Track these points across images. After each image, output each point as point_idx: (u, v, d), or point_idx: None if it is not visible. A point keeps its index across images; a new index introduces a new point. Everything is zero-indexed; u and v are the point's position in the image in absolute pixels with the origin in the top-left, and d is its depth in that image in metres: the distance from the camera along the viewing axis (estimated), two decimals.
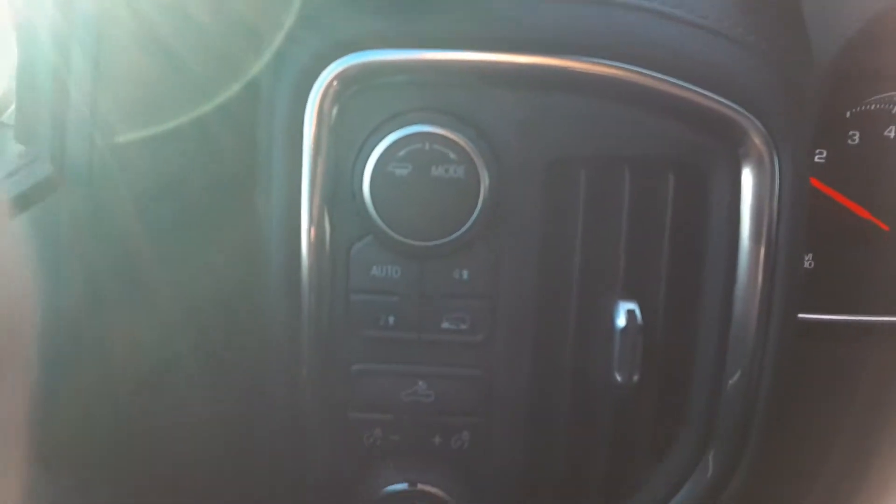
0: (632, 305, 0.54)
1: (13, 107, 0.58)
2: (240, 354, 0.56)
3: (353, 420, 0.57)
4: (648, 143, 0.54)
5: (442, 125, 0.52)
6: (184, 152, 0.55)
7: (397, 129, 0.52)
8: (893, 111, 0.66)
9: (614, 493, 0.60)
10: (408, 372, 0.56)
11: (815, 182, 0.66)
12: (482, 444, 0.58)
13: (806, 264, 0.68)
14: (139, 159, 0.54)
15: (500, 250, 0.55)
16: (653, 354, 0.56)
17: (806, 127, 0.55)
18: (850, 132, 0.66)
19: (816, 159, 0.66)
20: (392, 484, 0.57)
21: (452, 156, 0.52)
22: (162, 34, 0.52)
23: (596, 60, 0.51)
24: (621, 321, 0.54)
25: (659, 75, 0.51)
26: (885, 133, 0.66)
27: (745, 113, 0.52)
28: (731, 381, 0.56)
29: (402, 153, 0.52)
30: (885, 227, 0.68)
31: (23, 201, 0.52)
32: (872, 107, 0.66)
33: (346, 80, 0.51)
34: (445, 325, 0.55)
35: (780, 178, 0.53)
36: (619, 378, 0.54)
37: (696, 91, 0.52)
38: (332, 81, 0.51)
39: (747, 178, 0.53)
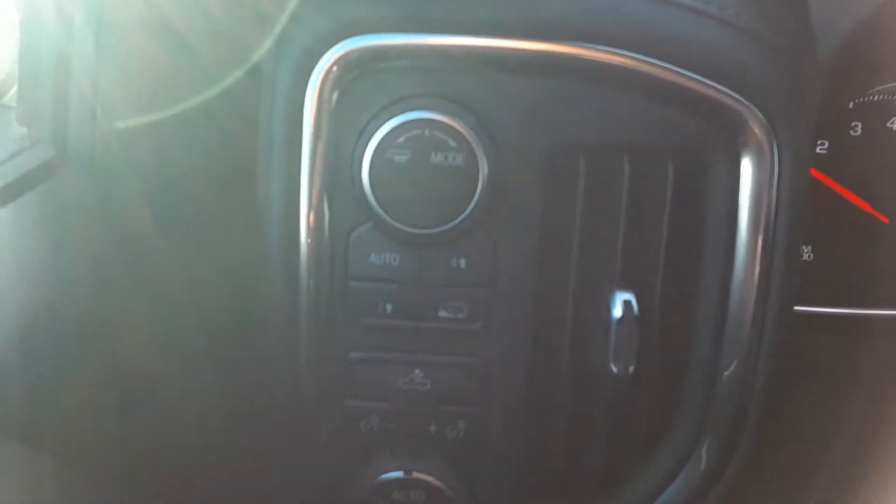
0: (628, 296, 0.54)
1: (15, 89, 0.58)
2: (242, 341, 0.57)
3: (349, 407, 0.58)
4: (648, 131, 0.54)
5: (442, 111, 0.52)
6: (187, 137, 0.55)
7: (397, 114, 0.52)
8: None
9: (609, 483, 0.61)
10: (405, 360, 0.57)
11: (815, 173, 0.66)
12: (478, 433, 0.58)
13: (805, 256, 0.68)
14: (142, 143, 0.54)
15: (499, 238, 0.55)
16: (649, 345, 0.56)
17: (807, 117, 0.55)
18: (853, 123, 0.66)
19: (818, 150, 0.66)
20: (388, 472, 0.58)
21: (452, 143, 0.52)
22: (165, 16, 0.52)
23: (596, 47, 0.51)
24: (618, 311, 0.54)
25: (659, 63, 0.51)
26: (888, 125, 0.66)
27: (746, 102, 0.52)
28: (726, 373, 0.56)
29: (401, 139, 0.52)
30: (885, 220, 0.68)
31: (24, 184, 0.52)
32: (875, 98, 0.65)
33: (347, 64, 0.51)
34: (443, 313, 0.55)
35: (779, 169, 0.53)
36: (614, 368, 0.54)
37: (696, 79, 0.51)
38: (332, 66, 0.51)
39: (746, 167, 0.53)
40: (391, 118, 0.52)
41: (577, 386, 0.58)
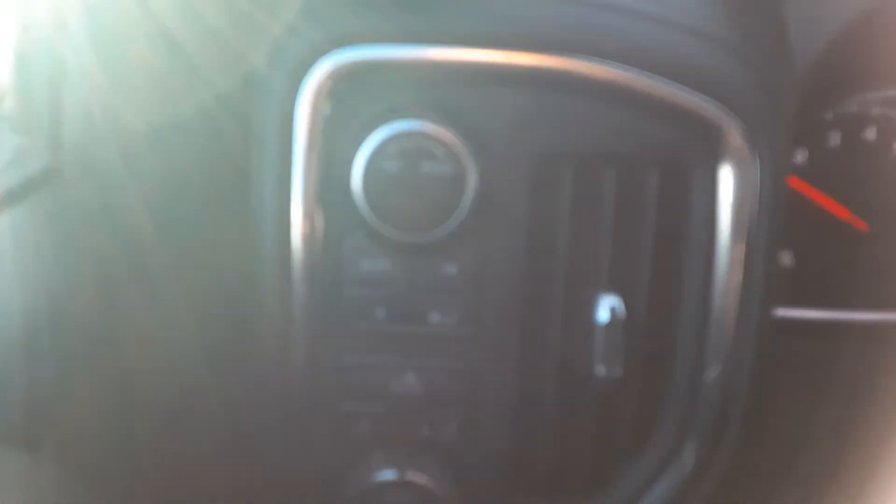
0: (615, 300, 0.55)
1: (11, 97, 0.59)
2: (237, 346, 0.57)
3: (343, 411, 0.58)
4: (632, 141, 0.55)
5: (431, 122, 0.53)
6: (182, 144, 0.55)
7: (388, 125, 0.53)
8: (873, 112, 0.67)
9: (596, 483, 0.62)
10: (397, 364, 0.58)
11: (795, 181, 0.68)
12: (469, 435, 0.59)
13: (786, 262, 0.70)
14: (138, 150, 0.55)
15: (488, 245, 0.56)
16: (635, 348, 0.58)
17: (785, 126, 0.56)
18: (831, 133, 0.68)
19: (798, 159, 0.68)
20: (381, 474, 0.59)
21: (441, 152, 0.53)
22: (162, 24, 0.53)
23: (581, 59, 0.53)
24: (605, 316, 0.55)
25: (642, 74, 0.53)
26: (865, 134, 0.68)
27: (725, 112, 0.53)
28: (709, 375, 0.57)
29: (392, 149, 0.53)
30: (864, 227, 0.69)
31: (20, 193, 0.52)
32: (853, 108, 0.67)
33: (340, 74, 0.52)
34: (434, 318, 0.56)
35: (759, 177, 0.54)
36: (602, 371, 0.56)
37: (677, 90, 0.53)
38: (325, 77, 0.52)
39: (727, 175, 0.55)
40: (382, 128, 0.53)
41: (564, 388, 0.59)
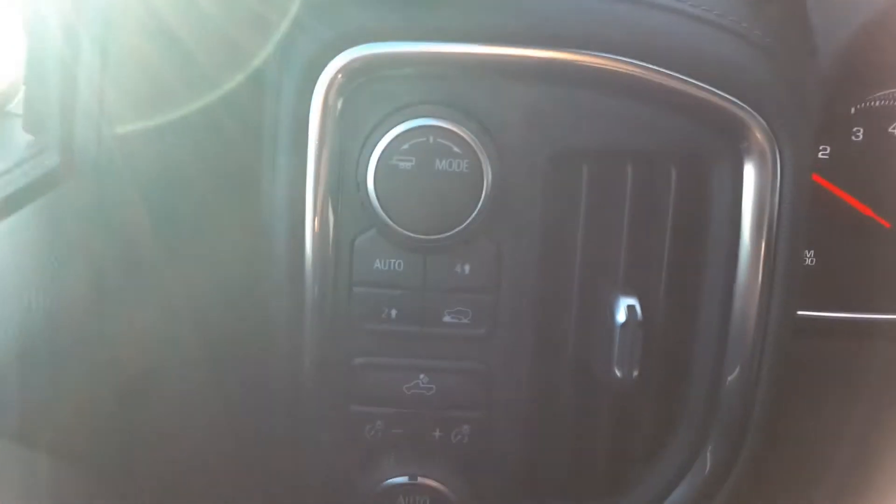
0: (632, 301, 0.54)
1: (21, 96, 0.58)
2: (245, 346, 0.57)
3: (354, 413, 0.58)
4: (651, 137, 0.54)
5: (446, 118, 0.52)
6: (191, 143, 0.55)
7: (401, 122, 0.52)
8: None
9: (613, 487, 0.61)
10: (409, 365, 0.57)
11: (817, 178, 0.66)
12: (482, 438, 0.58)
13: (807, 261, 0.68)
14: (147, 149, 0.54)
15: (503, 244, 0.55)
16: (652, 350, 0.57)
17: (808, 123, 0.55)
18: (854, 128, 0.66)
19: (820, 155, 0.66)
20: (392, 477, 0.58)
21: (456, 149, 0.52)
22: (170, 23, 0.53)
23: (599, 54, 0.52)
24: (621, 316, 0.54)
25: (662, 70, 0.52)
26: (890, 130, 0.66)
27: (747, 108, 0.52)
28: (729, 377, 0.56)
29: (406, 146, 0.52)
30: (887, 225, 0.68)
31: (31, 192, 0.52)
32: (877, 103, 0.66)
33: (352, 72, 0.51)
34: (447, 318, 0.56)
35: (781, 174, 0.53)
36: (618, 373, 0.55)
37: (698, 85, 0.52)
38: (337, 73, 0.51)
39: (749, 172, 0.54)
40: (396, 125, 0.52)
41: (580, 391, 0.58)
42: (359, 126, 0.53)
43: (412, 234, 0.53)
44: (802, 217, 0.54)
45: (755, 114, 0.52)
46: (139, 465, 0.56)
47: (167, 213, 0.55)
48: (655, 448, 0.60)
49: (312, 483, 0.60)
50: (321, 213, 0.53)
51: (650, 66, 0.52)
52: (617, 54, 0.52)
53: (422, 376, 0.57)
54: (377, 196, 0.53)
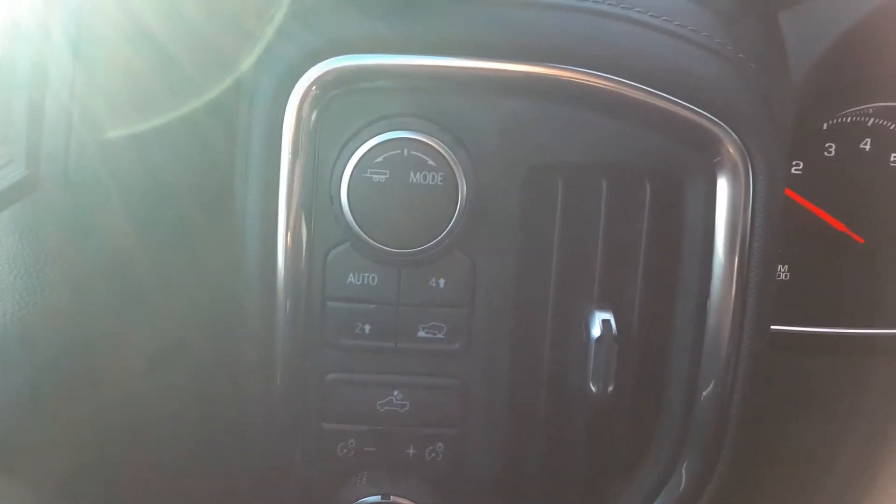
0: (607, 315, 0.54)
1: None
2: (218, 362, 0.56)
3: (326, 431, 0.57)
4: (625, 151, 0.54)
5: (420, 131, 0.52)
6: (165, 150, 0.54)
7: (375, 134, 0.52)
8: (869, 123, 0.66)
9: (590, 503, 0.60)
10: (383, 381, 0.56)
11: (791, 193, 0.67)
12: (457, 455, 0.57)
13: (781, 276, 0.69)
14: (121, 156, 0.54)
15: (478, 258, 0.55)
16: (628, 364, 0.56)
17: (781, 138, 0.55)
18: (827, 144, 0.67)
19: (793, 171, 0.67)
20: (365, 496, 0.57)
21: (431, 162, 0.52)
22: (146, 29, 0.52)
23: (574, 69, 0.52)
24: (596, 331, 0.54)
25: (635, 84, 0.52)
26: (861, 146, 0.67)
27: (720, 123, 0.52)
28: (704, 392, 0.56)
29: (380, 159, 0.52)
30: (860, 240, 0.69)
31: None
32: (848, 119, 0.66)
33: (325, 84, 0.51)
34: (422, 333, 0.55)
35: (754, 188, 0.53)
36: (594, 388, 0.54)
37: (671, 100, 0.52)
38: (311, 85, 0.51)
39: (722, 187, 0.54)
40: (370, 137, 0.52)
41: (556, 406, 0.58)
42: (332, 138, 0.53)
43: (386, 248, 0.53)
44: (776, 231, 0.55)
45: (728, 129, 0.53)
46: (120, 477, 0.55)
47: (142, 222, 0.54)
48: (632, 463, 0.59)
49: (283, 502, 0.58)
50: (294, 227, 0.53)
51: (624, 81, 0.52)
52: (591, 69, 0.52)
53: (396, 392, 0.56)
54: (351, 209, 0.52)
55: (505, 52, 0.52)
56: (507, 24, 0.52)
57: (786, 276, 0.69)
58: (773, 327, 0.59)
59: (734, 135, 0.53)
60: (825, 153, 0.67)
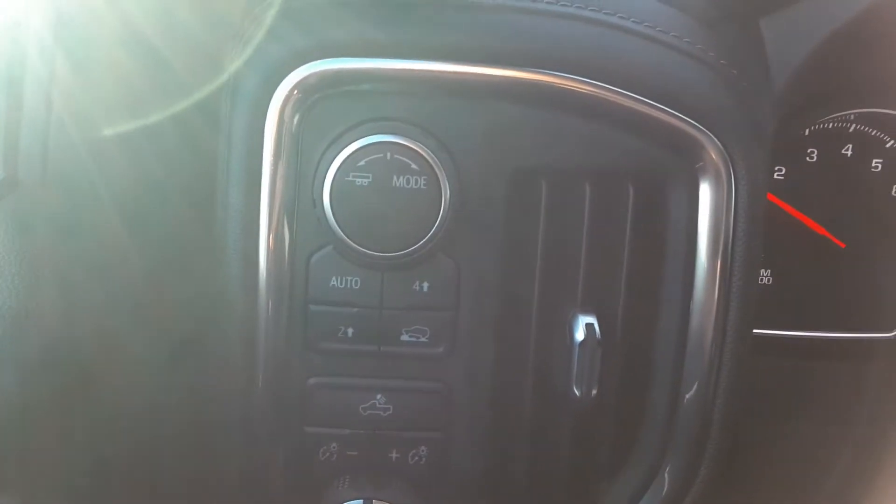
0: (591, 318, 0.54)
1: None
2: (200, 364, 0.55)
3: (308, 435, 0.56)
4: (608, 156, 0.54)
5: (403, 135, 0.52)
6: (151, 151, 0.54)
7: (358, 137, 0.52)
8: (850, 129, 0.67)
9: None
10: (366, 385, 0.56)
11: (773, 198, 0.67)
12: (440, 459, 0.57)
13: (764, 280, 0.69)
14: (102, 158, 0.53)
15: (462, 262, 0.54)
16: (611, 368, 0.56)
17: (763, 143, 0.56)
18: (809, 150, 0.67)
19: (775, 176, 0.67)
20: (347, 500, 0.57)
21: (414, 166, 0.52)
22: (130, 27, 0.52)
23: (558, 74, 0.52)
24: (580, 335, 0.54)
25: (617, 89, 0.52)
26: (843, 151, 0.68)
27: (702, 128, 0.53)
28: (687, 395, 0.56)
29: (362, 162, 0.51)
30: (842, 245, 0.69)
31: None
32: (829, 125, 0.67)
33: (308, 87, 0.51)
34: (405, 337, 0.55)
35: (736, 193, 0.54)
36: (577, 392, 0.54)
37: (653, 105, 0.52)
38: (293, 89, 0.51)
39: (704, 192, 0.54)
40: (353, 141, 0.52)
41: (540, 409, 0.58)
42: (315, 141, 0.52)
43: (369, 252, 0.52)
44: (758, 236, 0.55)
45: (710, 134, 0.53)
46: (105, 481, 0.54)
47: (131, 223, 0.54)
48: (616, 466, 0.60)
49: None
50: (276, 230, 0.52)
51: (607, 86, 0.52)
52: (575, 74, 0.52)
53: (379, 396, 0.56)
54: (333, 213, 0.52)
55: (489, 56, 0.52)
56: (490, 29, 0.53)
57: (768, 280, 0.69)
58: (755, 331, 0.59)
59: (716, 140, 0.53)
60: (807, 158, 0.68)
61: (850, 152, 0.68)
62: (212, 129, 0.54)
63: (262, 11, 0.52)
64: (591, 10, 0.54)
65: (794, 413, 0.71)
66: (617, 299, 0.57)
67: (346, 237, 0.52)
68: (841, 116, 0.67)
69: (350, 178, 0.52)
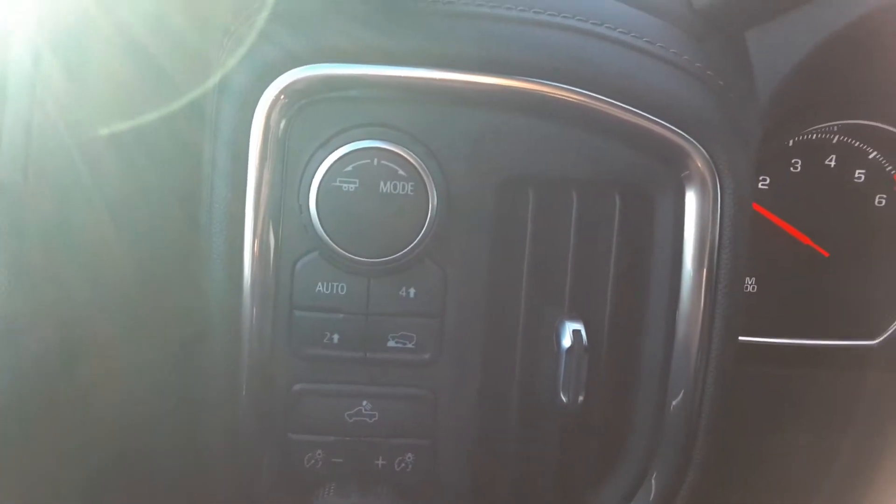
0: (578, 325, 0.54)
1: None
2: (184, 373, 0.55)
3: (293, 442, 0.56)
4: (595, 164, 0.54)
5: (390, 141, 0.52)
6: (141, 151, 0.54)
7: (345, 143, 0.51)
8: (834, 141, 0.68)
9: None
10: (352, 392, 0.56)
11: (758, 208, 0.68)
12: (427, 466, 0.57)
13: (749, 288, 0.70)
14: (91, 159, 0.53)
15: (448, 268, 0.54)
16: (598, 375, 0.57)
17: (748, 153, 0.56)
18: (793, 160, 0.68)
19: (760, 186, 0.68)
20: None
21: (401, 172, 0.52)
22: (120, 28, 0.51)
23: (545, 83, 0.52)
24: (567, 341, 0.54)
25: (604, 98, 0.52)
26: (826, 162, 0.68)
27: (688, 137, 0.53)
28: (673, 402, 0.56)
29: (349, 168, 0.51)
30: (825, 254, 0.70)
31: None
32: (813, 136, 0.68)
33: (294, 92, 0.51)
34: (391, 343, 0.55)
35: (721, 202, 0.54)
36: (564, 398, 0.54)
37: (641, 115, 0.52)
38: (279, 94, 0.51)
39: (691, 200, 0.54)
40: (340, 146, 0.52)
41: (527, 416, 0.58)
42: (302, 146, 0.52)
43: (355, 257, 0.52)
44: (744, 243, 0.55)
45: (696, 143, 0.53)
46: (91, 477, 0.53)
47: (122, 225, 0.53)
48: (603, 472, 0.60)
49: None
50: (261, 235, 0.52)
51: (594, 95, 0.52)
52: (562, 83, 0.52)
53: (364, 403, 0.56)
54: (320, 218, 0.52)
55: (477, 64, 0.52)
56: (480, 37, 0.53)
57: (753, 288, 0.70)
58: (742, 339, 0.60)
59: (703, 149, 0.53)
60: (791, 169, 0.68)
61: (833, 163, 0.68)
62: (200, 130, 0.54)
63: (254, 13, 0.52)
64: (579, 20, 0.54)
65: (779, 420, 0.71)
66: (604, 306, 0.57)
67: (332, 242, 0.52)
68: (825, 128, 0.68)
69: (337, 184, 0.52)
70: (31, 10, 0.51)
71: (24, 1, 0.51)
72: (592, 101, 0.52)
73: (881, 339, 0.72)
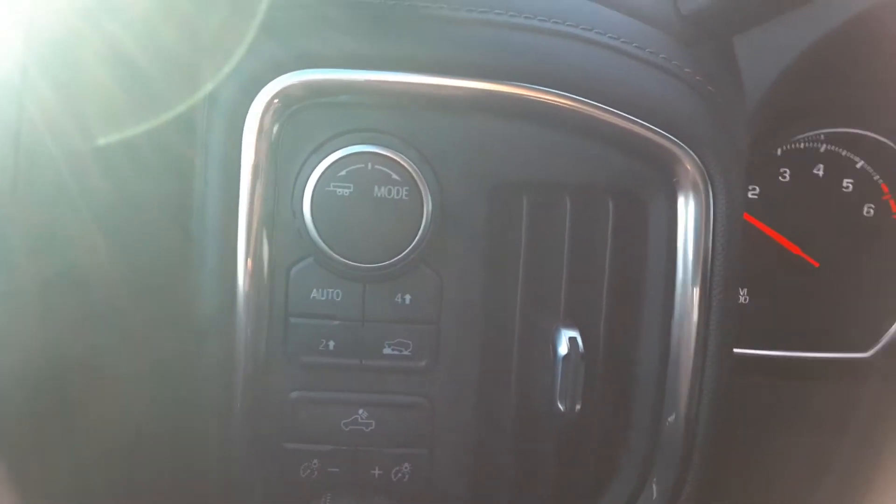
0: (573, 332, 0.54)
1: None
2: (179, 379, 0.54)
3: (289, 451, 0.55)
4: (588, 170, 0.55)
5: (385, 145, 0.52)
6: (129, 162, 0.53)
7: (339, 147, 0.51)
8: (821, 150, 0.69)
9: None
10: (348, 400, 0.55)
11: (748, 217, 0.68)
12: (424, 476, 0.56)
13: (741, 299, 0.70)
14: (72, 176, 0.52)
15: (444, 274, 0.54)
16: (595, 382, 0.56)
17: (739, 159, 0.57)
18: (781, 169, 0.69)
19: (750, 195, 0.69)
20: None
21: (395, 176, 0.52)
22: (107, 39, 0.51)
23: (538, 88, 0.52)
24: (563, 349, 0.54)
25: (597, 104, 0.53)
26: (814, 171, 0.69)
27: (679, 142, 0.53)
28: (670, 410, 0.56)
29: (343, 172, 0.51)
30: (815, 264, 0.70)
31: None
32: (801, 145, 0.69)
33: (288, 97, 0.51)
34: (387, 350, 0.54)
35: (714, 207, 0.54)
36: (561, 406, 0.54)
37: (633, 121, 0.53)
38: (273, 98, 0.51)
39: (683, 206, 0.55)
40: (333, 151, 0.51)
41: (524, 424, 0.57)
42: (295, 152, 0.52)
43: (351, 263, 0.52)
44: (736, 250, 0.56)
45: (687, 149, 0.54)
46: (80, 487, 0.52)
47: (109, 236, 0.52)
48: (601, 481, 0.59)
49: None
50: (255, 241, 0.52)
51: (586, 101, 0.53)
52: (555, 89, 0.53)
53: (361, 411, 0.55)
54: (314, 223, 0.51)
55: (470, 70, 0.52)
56: (472, 43, 0.53)
57: (744, 298, 0.70)
58: (736, 350, 0.60)
59: (694, 155, 0.54)
60: (780, 178, 0.69)
61: (821, 172, 0.69)
62: (189, 141, 0.53)
63: (242, 23, 0.53)
64: (570, 25, 0.55)
65: (772, 431, 0.71)
66: (599, 313, 0.57)
67: (326, 248, 0.52)
68: (812, 136, 0.68)
69: (331, 189, 0.51)
70: (18, 23, 0.51)
71: (11, 13, 0.51)
72: (583, 106, 0.53)
73: (873, 350, 0.72)
